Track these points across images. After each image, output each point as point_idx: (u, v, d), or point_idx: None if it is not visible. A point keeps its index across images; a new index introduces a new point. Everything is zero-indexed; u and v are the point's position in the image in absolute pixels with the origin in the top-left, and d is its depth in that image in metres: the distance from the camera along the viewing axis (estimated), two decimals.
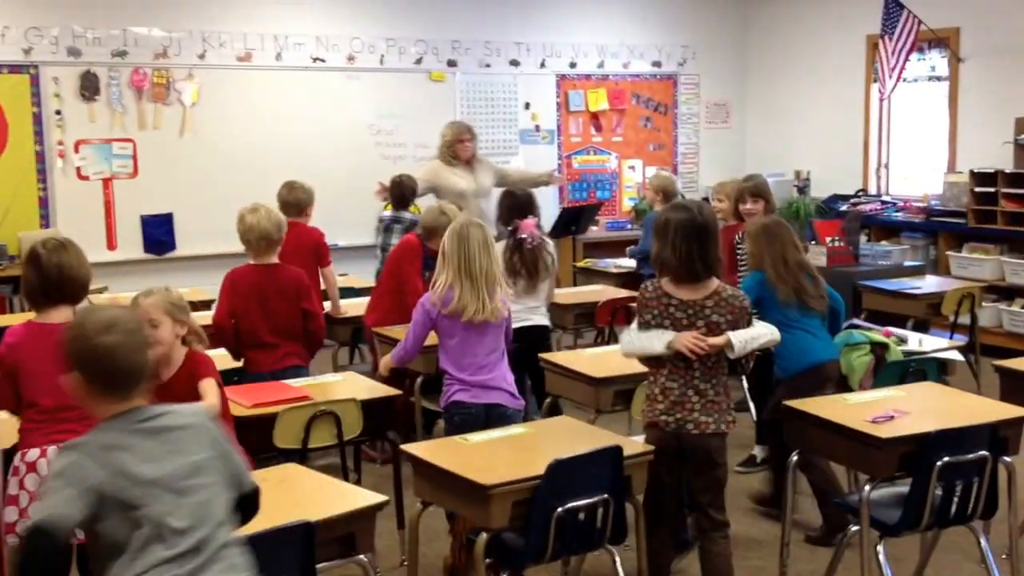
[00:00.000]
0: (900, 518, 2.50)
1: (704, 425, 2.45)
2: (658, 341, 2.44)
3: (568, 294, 4.66)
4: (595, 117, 7.11)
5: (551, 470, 2.21)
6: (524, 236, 3.57)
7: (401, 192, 4.78)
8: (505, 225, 3.69)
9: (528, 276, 3.61)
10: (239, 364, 3.22)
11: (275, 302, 3.16)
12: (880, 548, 2.50)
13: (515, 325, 3.59)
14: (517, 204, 3.73)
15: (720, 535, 2.54)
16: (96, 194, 5.66)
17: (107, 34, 5.59)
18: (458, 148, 5.19)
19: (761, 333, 2.50)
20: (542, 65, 6.87)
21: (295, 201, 4.14)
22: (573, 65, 6.99)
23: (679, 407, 2.46)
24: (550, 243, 3.78)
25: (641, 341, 2.49)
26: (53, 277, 2.36)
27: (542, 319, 3.74)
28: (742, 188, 3.89)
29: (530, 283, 3.63)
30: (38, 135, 5.49)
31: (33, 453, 2.30)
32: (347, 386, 3.01)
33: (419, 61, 6.45)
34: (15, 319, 3.88)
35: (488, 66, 6.68)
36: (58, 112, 5.52)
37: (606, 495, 2.29)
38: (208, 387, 2.38)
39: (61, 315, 2.36)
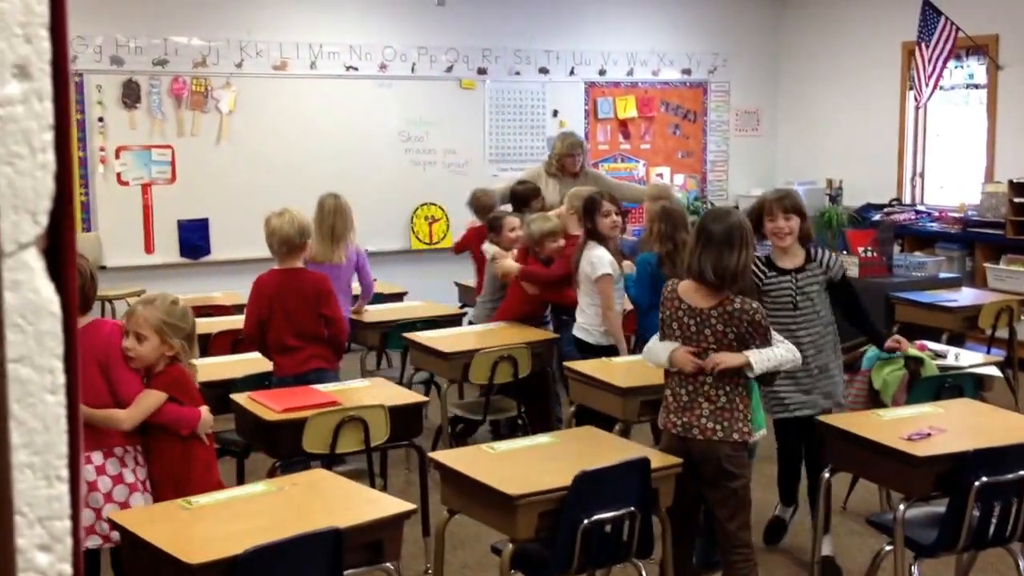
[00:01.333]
0: (936, 539, 2.45)
1: (710, 431, 2.42)
2: (664, 353, 2.47)
3: None
4: (623, 124, 7.09)
5: (577, 481, 2.20)
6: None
7: (521, 196, 4.83)
8: None
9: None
10: (271, 368, 3.26)
11: (296, 306, 3.19)
12: (915, 569, 2.46)
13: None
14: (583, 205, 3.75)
15: (740, 556, 2.46)
16: (135, 199, 5.78)
17: (148, 43, 5.72)
18: (567, 162, 5.19)
19: (784, 359, 2.45)
20: (571, 73, 6.88)
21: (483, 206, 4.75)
22: (602, 73, 6.98)
23: (688, 412, 2.45)
24: (592, 252, 3.58)
25: (654, 349, 2.53)
26: (90, 287, 2.36)
27: (576, 330, 3.64)
28: (771, 203, 3.80)
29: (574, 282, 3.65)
30: (81, 141, 5.62)
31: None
32: (375, 392, 3.03)
33: (450, 69, 6.50)
34: None
35: (518, 74, 6.70)
36: (100, 119, 5.65)
37: (633, 508, 2.27)
38: (143, 397, 2.30)
39: (86, 320, 2.37)
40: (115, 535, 2.24)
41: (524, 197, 4.83)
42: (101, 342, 2.34)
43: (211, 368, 3.33)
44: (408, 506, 2.14)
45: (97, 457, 2.30)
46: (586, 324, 3.63)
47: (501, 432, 3.96)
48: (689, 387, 2.46)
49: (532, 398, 3.87)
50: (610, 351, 3.57)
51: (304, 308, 3.19)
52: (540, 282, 3.91)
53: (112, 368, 2.34)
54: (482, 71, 6.58)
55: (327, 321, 3.22)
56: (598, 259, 3.53)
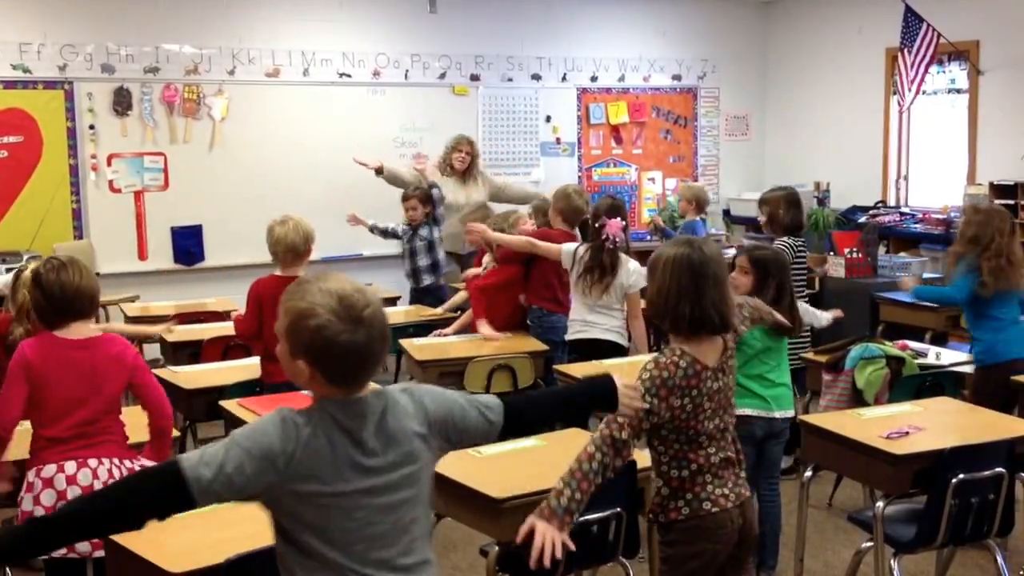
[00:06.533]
0: (915, 535, 2.49)
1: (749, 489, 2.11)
2: None
3: None
4: (615, 130, 7.16)
5: None
6: (606, 235, 3.53)
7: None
8: (593, 223, 3.65)
9: (600, 275, 3.55)
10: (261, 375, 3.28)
11: None
12: (895, 564, 2.50)
13: (573, 336, 3.63)
14: (609, 205, 3.67)
15: None
16: (128, 206, 5.81)
17: (140, 51, 5.75)
18: (453, 157, 5.36)
19: None
20: (563, 79, 6.94)
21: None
22: (594, 79, 7.05)
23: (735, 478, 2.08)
24: (631, 261, 3.60)
25: None
26: (57, 296, 2.37)
27: (605, 334, 3.59)
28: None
29: (601, 283, 3.54)
30: (72, 149, 5.65)
31: (50, 469, 2.33)
32: None
33: (443, 76, 6.55)
34: None
35: (510, 80, 6.76)
36: (91, 127, 5.68)
37: (619, 508, 2.30)
38: None
39: (75, 331, 2.40)
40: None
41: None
42: (121, 359, 2.41)
43: (202, 375, 3.37)
44: None
45: (92, 462, 2.35)
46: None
47: None
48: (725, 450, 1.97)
49: None
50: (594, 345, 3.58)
51: None
52: (513, 253, 3.90)
53: (140, 375, 2.43)
54: (475, 77, 6.64)
55: None
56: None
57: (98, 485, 2.31)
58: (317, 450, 1.36)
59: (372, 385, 1.45)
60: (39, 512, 2.28)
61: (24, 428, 2.54)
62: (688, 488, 1.95)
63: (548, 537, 1.75)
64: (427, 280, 5.12)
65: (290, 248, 3.21)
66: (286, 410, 1.40)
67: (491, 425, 1.56)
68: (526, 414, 1.63)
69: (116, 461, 2.38)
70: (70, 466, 2.32)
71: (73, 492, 2.30)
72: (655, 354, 1.97)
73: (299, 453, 1.35)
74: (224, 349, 3.74)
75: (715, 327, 1.91)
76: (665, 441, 1.95)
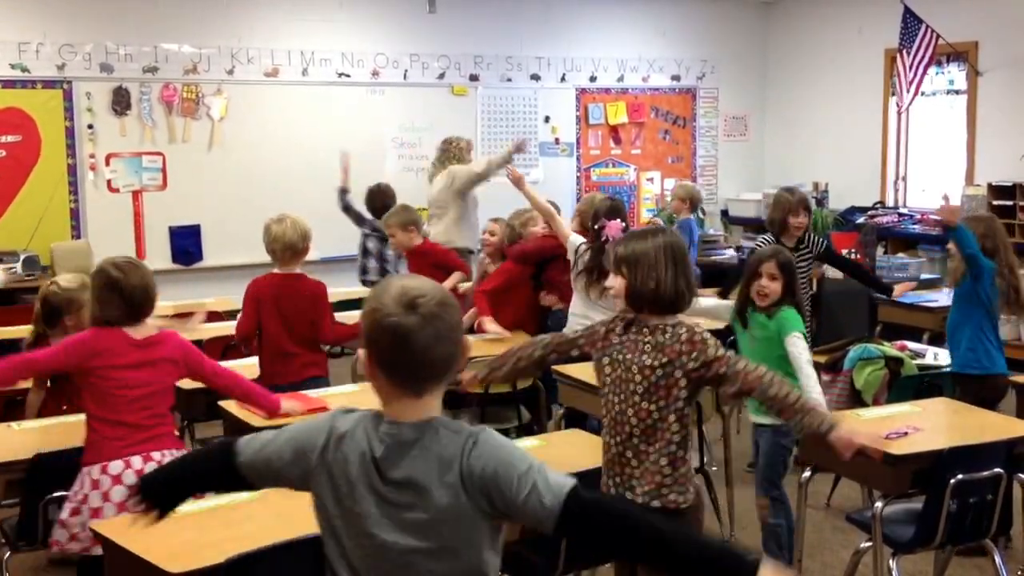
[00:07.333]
0: (913, 535, 2.50)
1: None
2: None
3: None
4: (614, 130, 7.17)
5: None
6: (605, 236, 3.44)
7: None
8: (593, 224, 3.56)
9: (599, 275, 3.45)
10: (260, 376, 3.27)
11: (294, 311, 3.20)
12: (893, 564, 2.51)
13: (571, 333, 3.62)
14: (609, 206, 3.58)
15: None
16: (126, 206, 5.81)
17: (138, 50, 5.76)
18: (468, 157, 5.33)
19: None
20: (562, 79, 6.95)
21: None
22: (593, 79, 7.06)
23: (615, 466, 2.07)
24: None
25: None
26: (139, 297, 2.36)
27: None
28: (796, 201, 3.86)
29: (599, 283, 3.45)
30: (70, 148, 5.66)
31: (117, 465, 2.32)
32: (365, 396, 3.04)
33: (442, 76, 6.56)
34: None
35: (509, 80, 6.77)
36: (90, 126, 5.69)
37: None
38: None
39: (141, 331, 2.40)
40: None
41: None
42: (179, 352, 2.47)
43: None
44: None
45: (156, 455, 2.36)
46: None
47: None
48: (616, 437, 2.12)
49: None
50: None
51: (302, 313, 3.20)
52: (530, 253, 3.89)
53: (195, 363, 2.51)
54: (474, 77, 6.65)
55: (313, 326, 3.21)
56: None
57: None
58: (342, 457, 1.33)
59: (434, 414, 1.33)
60: (109, 509, 2.27)
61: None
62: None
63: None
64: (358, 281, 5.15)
65: (288, 246, 3.21)
66: (345, 409, 1.39)
67: (542, 508, 1.27)
68: (593, 517, 1.29)
69: (175, 452, 2.41)
70: (137, 461, 2.33)
71: None
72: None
73: (328, 454, 1.34)
74: (223, 349, 3.73)
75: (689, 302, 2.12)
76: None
